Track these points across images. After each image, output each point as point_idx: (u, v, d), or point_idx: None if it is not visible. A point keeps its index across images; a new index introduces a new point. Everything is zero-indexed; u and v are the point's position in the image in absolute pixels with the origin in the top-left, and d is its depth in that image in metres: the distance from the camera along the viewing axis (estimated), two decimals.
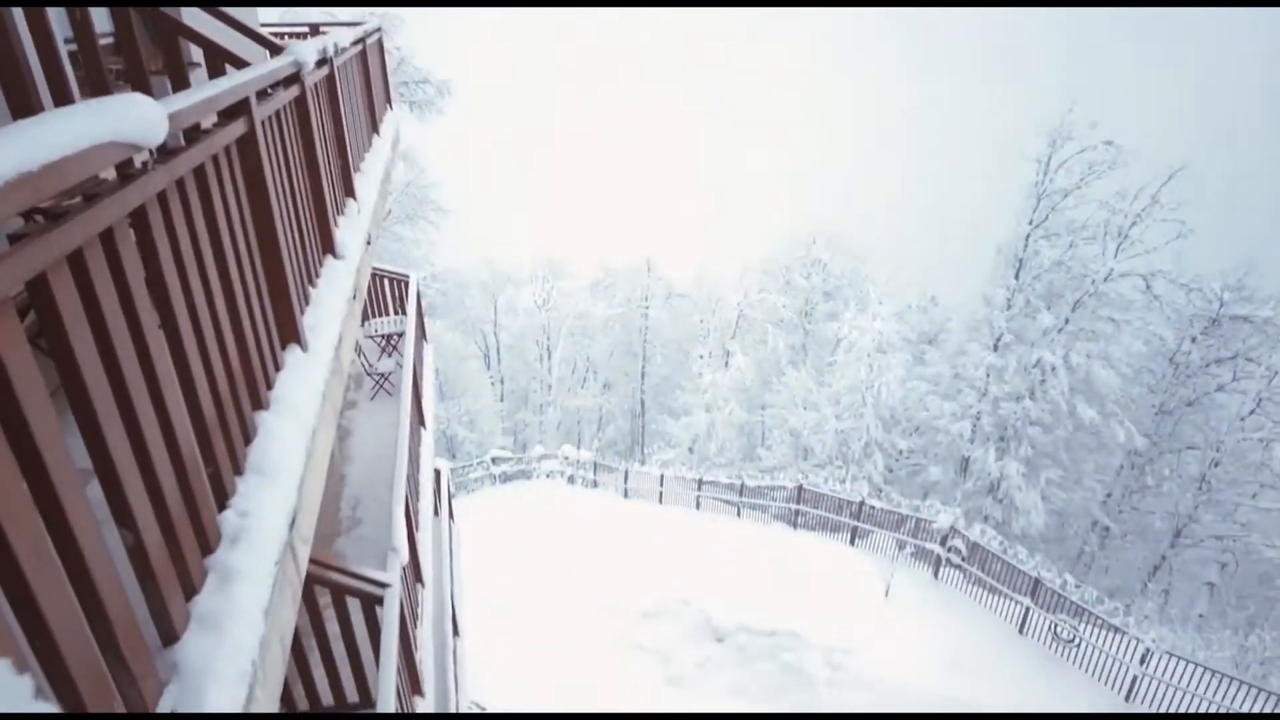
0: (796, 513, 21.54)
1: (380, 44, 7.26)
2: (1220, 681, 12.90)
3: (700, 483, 24.84)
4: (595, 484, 28.23)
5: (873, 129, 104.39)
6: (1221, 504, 26.43)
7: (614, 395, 45.45)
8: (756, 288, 39.02)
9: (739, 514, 23.45)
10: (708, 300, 42.55)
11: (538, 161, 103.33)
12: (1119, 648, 14.00)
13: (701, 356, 39.38)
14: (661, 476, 26.03)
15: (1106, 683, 14.05)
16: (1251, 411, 25.91)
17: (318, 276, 3.50)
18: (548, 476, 28.84)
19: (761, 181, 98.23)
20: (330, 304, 3.40)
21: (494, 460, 28.93)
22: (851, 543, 19.85)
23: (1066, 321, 24.86)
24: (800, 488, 21.62)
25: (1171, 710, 13.24)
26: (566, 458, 29.12)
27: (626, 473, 27.03)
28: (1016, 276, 25.75)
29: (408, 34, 24.34)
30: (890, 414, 28.74)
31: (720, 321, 40.75)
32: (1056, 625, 14.93)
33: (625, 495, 26.64)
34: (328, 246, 3.74)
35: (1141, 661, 13.47)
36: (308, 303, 3.23)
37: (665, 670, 15.12)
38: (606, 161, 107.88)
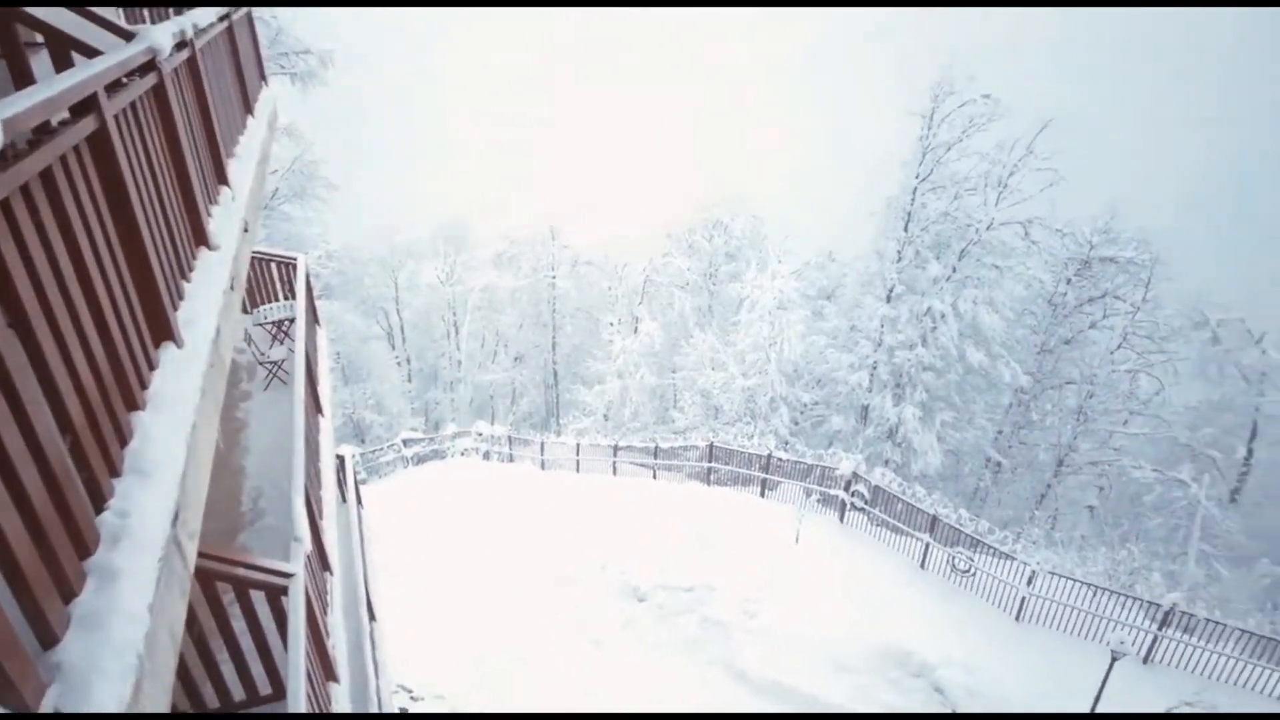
0: (709, 470, 22.14)
1: (249, 18, 6.95)
2: (1095, 593, 14.24)
3: (615, 448, 25.17)
4: (511, 458, 28.20)
5: (767, 94, 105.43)
6: (1097, 433, 28.75)
7: (526, 368, 45.13)
8: (661, 252, 39.32)
9: (655, 476, 23.91)
10: (614, 267, 42.56)
11: (430, 137, 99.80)
12: (1009, 573, 15.18)
13: (611, 324, 39.49)
14: (577, 445, 26.22)
15: (999, 605, 15.24)
16: (1119, 345, 28.18)
17: (191, 270, 3.42)
18: (462, 454, 28.63)
19: (661, 147, 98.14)
20: (205, 297, 3.34)
21: (405, 442, 28.47)
22: (762, 494, 20.58)
23: (954, 270, 26.09)
24: (712, 446, 22.20)
25: (1056, 624, 14.51)
26: (480, 434, 28.95)
27: (542, 444, 27.11)
28: (906, 229, 26.76)
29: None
30: (793, 369, 29.68)
31: (627, 288, 40.96)
32: (954, 558, 16.01)
33: (543, 467, 26.75)
34: (200, 239, 3.65)
35: (1029, 583, 14.65)
36: (181, 298, 3.17)
37: (585, 634, 15.44)
38: (507, 131, 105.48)
